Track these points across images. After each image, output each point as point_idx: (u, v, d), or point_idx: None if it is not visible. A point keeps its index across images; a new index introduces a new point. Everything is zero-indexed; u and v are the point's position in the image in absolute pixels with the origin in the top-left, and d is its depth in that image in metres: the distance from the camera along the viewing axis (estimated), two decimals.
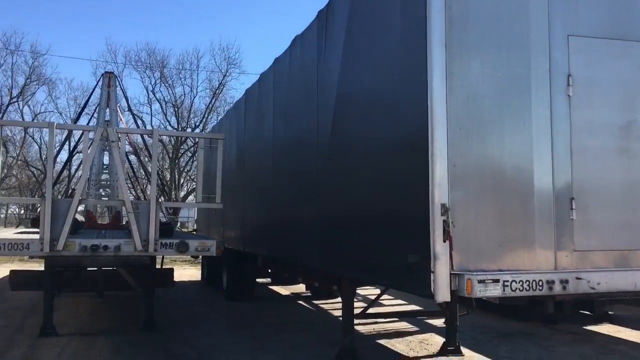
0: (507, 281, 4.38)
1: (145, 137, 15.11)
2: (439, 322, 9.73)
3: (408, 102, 4.96)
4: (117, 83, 12.79)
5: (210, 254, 7.39)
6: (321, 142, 7.25)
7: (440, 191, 4.51)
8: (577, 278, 4.54)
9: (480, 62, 4.74)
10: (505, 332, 9.44)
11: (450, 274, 4.45)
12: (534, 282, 4.44)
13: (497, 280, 4.35)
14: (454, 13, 4.68)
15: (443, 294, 4.42)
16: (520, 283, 4.40)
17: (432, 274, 4.47)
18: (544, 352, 8.15)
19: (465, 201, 4.62)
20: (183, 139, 39.98)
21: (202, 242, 7.39)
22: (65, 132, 17.25)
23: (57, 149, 12.37)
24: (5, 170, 39.41)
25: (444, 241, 4.44)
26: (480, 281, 4.31)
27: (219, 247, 7.47)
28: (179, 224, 30.60)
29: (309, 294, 13.65)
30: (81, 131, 7.10)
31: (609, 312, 10.31)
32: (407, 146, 4.93)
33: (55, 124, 6.67)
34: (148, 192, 7.61)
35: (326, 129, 7.06)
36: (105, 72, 12.75)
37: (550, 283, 4.49)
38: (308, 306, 12.40)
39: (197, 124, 41.51)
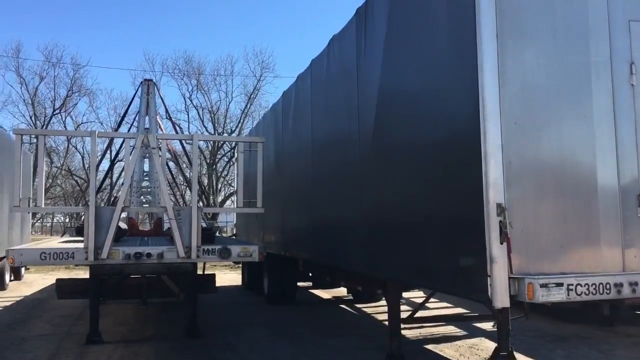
0: (572, 284, 4.10)
1: (185, 143, 15.24)
2: (488, 325, 9.42)
3: (458, 98, 4.72)
4: (156, 90, 12.84)
5: (253, 259, 7.27)
6: (363, 142, 7.05)
7: (495, 190, 4.26)
8: None
9: (535, 52, 4.47)
10: (559, 336, 9.05)
11: (509, 277, 4.19)
12: (600, 285, 4.15)
13: (560, 284, 4.07)
14: (504, 1, 4.42)
15: (502, 299, 4.17)
16: (586, 286, 4.12)
17: (488, 278, 4.22)
18: (602, 357, 7.76)
19: (523, 200, 4.35)
20: (220, 144, 40.26)
21: (245, 247, 7.27)
22: (107, 141, 17.51)
23: (100, 157, 12.45)
24: (50, 180, 40.40)
25: (501, 243, 4.19)
26: (542, 285, 4.04)
27: (261, 253, 7.34)
28: (218, 230, 30.77)
29: (351, 298, 13.44)
30: (122, 139, 7.05)
31: None
32: (458, 144, 4.69)
33: (97, 132, 6.65)
34: (187, 198, 7.54)
35: (368, 129, 6.86)
36: (144, 80, 12.81)
37: (619, 286, 4.19)
38: (350, 310, 12.20)
39: (233, 129, 41.77)
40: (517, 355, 7.62)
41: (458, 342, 8.73)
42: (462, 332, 9.46)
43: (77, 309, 11.40)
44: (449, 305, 11.88)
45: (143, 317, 10.93)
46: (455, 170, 4.76)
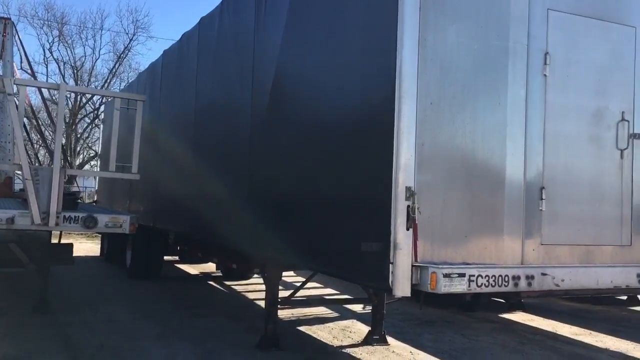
0: (474, 276, 3.98)
1: (47, 95, 13.67)
2: (358, 307, 9.45)
3: (372, 72, 4.40)
4: (15, 32, 11.24)
5: (123, 231, 6.51)
6: (256, 115, 6.53)
7: (405, 173, 4.01)
8: (543, 274, 4.23)
9: (456, 30, 4.25)
10: (426, 320, 9.28)
11: (412, 265, 3.97)
12: (499, 278, 4.08)
13: (462, 275, 3.93)
14: None
15: (403, 288, 3.94)
16: (487, 278, 4.02)
17: (391, 264, 3.97)
18: (467, 341, 8.03)
19: (433, 185, 4.16)
20: (82, 103, 37.27)
21: (114, 217, 6.48)
22: None
23: None
24: None
25: (408, 229, 3.95)
26: (445, 275, 3.88)
27: (132, 224, 6.59)
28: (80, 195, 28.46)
29: (219, 274, 12.96)
30: None
31: (522, 301, 10.46)
32: (369, 121, 4.37)
33: None
34: (42, 160, 6.56)
35: (263, 101, 6.36)
36: (1, 18, 11.13)
37: (516, 279, 4.15)
38: (220, 287, 11.72)
39: (99, 88, 38.83)
40: (388, 338, 7.69)
41: (330, 324, 8.64)
42: (334, 314, 9.39)
43: None
44: (319, 285, 11.83)
45: None
46: (362, 149, 4.45)
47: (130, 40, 39.97)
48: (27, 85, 7.01)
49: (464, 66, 4.28)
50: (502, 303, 10.41)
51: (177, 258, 13.98)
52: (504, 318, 9.89)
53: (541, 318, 9.94)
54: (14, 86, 5.83)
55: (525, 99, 4.50)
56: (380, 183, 4.10)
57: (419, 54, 4.10)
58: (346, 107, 4.77)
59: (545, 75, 4.58)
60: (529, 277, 4.20)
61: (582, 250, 4.68)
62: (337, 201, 4.76)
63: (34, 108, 20.13)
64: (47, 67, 38.81)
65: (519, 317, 10.02)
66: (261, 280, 8.86)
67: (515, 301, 10.39)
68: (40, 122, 18.52)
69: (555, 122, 4.62)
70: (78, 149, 39.39)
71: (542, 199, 4.53)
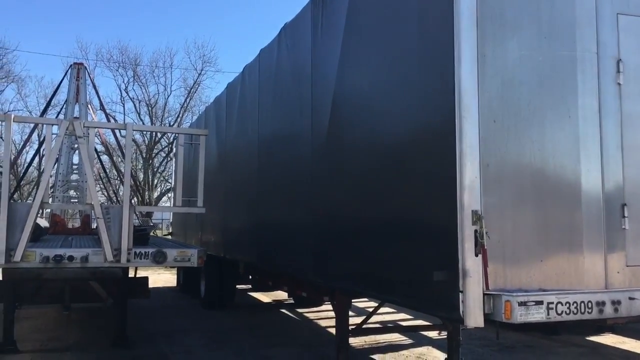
0: (552, 303, 3.68)
1: (118, 135, 14.25)
2: (433, 333, 9.10)
3: (430, 92, 4.23)
4: (87, 75, 11.82)
5: (191, 264, 6.57)
6: (316, 141, 6.48)
7: (470, 195, 3.79)
8: (631, 298, 3.87)
9: (517, 43, 4.03)
10: (506, 345, 8.82)
11: (484, 294, 3.73)
12: (582, 304, 3.76)
13: (540, 302, 3.65)
14: None
15: (475, 319, 3.70)
16: (567, 305, 3.71)
17: (460, 293, 3.75)
18: None
19: (501, 207, 3.91)
20: (157, 138, 38.80)
21: (182, 251, 6.56)
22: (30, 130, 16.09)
23: (21, 146, 11.31)
24: None
25: (476, 255, 3.72)
26: (521, 303, 3.61)
27: (200, 257, 6.65)
28: (152, 229, 29.48)
29: (292, 302, 12.91)
30: (46, 126, 6.24)
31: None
32: (430, 143, 4.19)
33: (12, 115, 5.78)
34: (120, 194, 6.80)
35: (322, 127, 6.29)
36: (74, 63, 11.74)
37: (601, 305, 3.81)
38: (292, 315, 11.65)
39: (172, 123, 40.36)
40: None
41: (405, 352, 8.36)
42: (408, 340, 9.10)
43: None
44: (392, 310, 11.55)
45: (65, 323, 9.99)
46: (424, 172, 4.27)
47: (199, 75, 41.48)
48: (95, 127, 7.29)
49: (528, 80, 4.04)
50: (590, 325, 9.78)
51: (249, 286, 14.08)
52: (591, 341, 9.26)
53: (633, 340, 9.25)
54: (84, 128, 6.06)
55: (598, 110, 4.19)
56: (444, 207, 3.90)
57: (478, 70, 3.90)
58: (405, 129, 4.61)
59: (619, 83, 4.25)
60: (615, 302, 3.85)
61: None
62: (401, 228, 4.58)
63: (113, 147, 21.11)
64: (124, 106, 40.75)
65: (608, 339, 9.36)
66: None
67: (604, 323, 9.74)
68: (117, 161, 19.32)
69: (635, 133, 4.27)
70: (155, 182, 40.92)
71: (624, 216, 4.17)
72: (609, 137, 4.21)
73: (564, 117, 4.09)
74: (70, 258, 6.04)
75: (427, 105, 4.27)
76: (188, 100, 41.20)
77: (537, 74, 4.07)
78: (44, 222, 9.58)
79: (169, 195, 40.84)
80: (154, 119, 40.40)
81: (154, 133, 38.17)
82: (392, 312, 11.42)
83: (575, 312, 3.74)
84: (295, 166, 7.12)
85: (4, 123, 5.88)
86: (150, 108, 40.82)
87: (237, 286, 12.56)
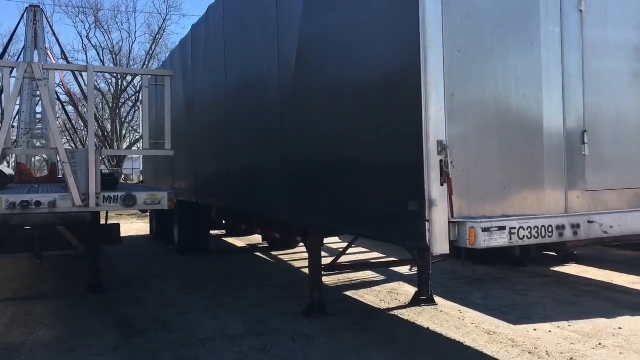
0: (514, 228, 3.80)
1: (82, 84, 13.83)
2: (405, 269, 9.35)
3: (395, 25, 4.19)
4: (45, 20, 11.36)
5: (162, 207, 6.55)
6: (284, 83, 6.40)
7: (435, 126, 3.83)
8: (589, 222, 4.02)
9: None
10: (474, 278, 9.13)
11: (449, 222, 3.82)
12: (543, 228, 3.88)
13: (503, 228, 3.76)
14: None
15: (441, 246, 3.81)
16: (529, 230, 3.84)
17: (427, 222, 3.84)
18: (518, 297, 7.85)
19: (465, 138, 3.97)
20: (123, 87, 37.89)
21: (152, 194, 6.53)
22: None
23: None
24: None
25: (442, 184, 3.80)
26: (485, 229, 3.71)
27: (171, 200, 6.63)
28: (122, 177, 29.18)
29: (266, 245, 13.07)
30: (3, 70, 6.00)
31: (574, 252, 10.15)
32: (395, 76, 4.19)
33: None
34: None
35: (289, 69, 6.22)
36: (30, 6, 11.24)
37: (561, 228, 3.95)
38: (266, 258, 11.82)
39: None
40: (436, 298, 7.59)
41: (377, 287, 8.59)
42: (380, 277, 9.34)
43: None
44: (365, 250, 11.79)
45: (38, 271, 9.98)
46: (389, 105, 4.28)
47: (164, 20, 40.27)
48: (55, 69, 7.06)
49: (491, 9, 4.02)
50: (554, 256, 10.14)
51: (224, 232, 14.16)
52: (556, 271, 9.63)
53: (595, 269, 9.64)
54: (43, 71, 5.88)
55: (560, 38, 4.22)
56: (410, 139, 3.94)
57: (442, 1, 3.87)
58: (371, 64, 4.59)
59: (581, 10, 4.27)
60: (575, 226, 3.99)
61: (631, 194, 4.42)
62: (370, 162, 4.63)
63: (77, 97, 20.58)
64: (86, 54, 39.60)
65: (572, 269, 9.74)
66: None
67: (567, 253, 10.09)
68: (82, 111, 18.88)
69: (595, 60, 4.32)
70: (124, 132, 40.23)
71: (584, 143, 4.27)
72: (570, 64, 4.25)
73: (527, 46, 4.11)
74: (38, 203, 5.97)
75: (393, 39, 4.25)
76: (154, 47, 40.14)
77: (501, 2, 4.05)
78: (9, 171, 9.40)
79: (139, 145, 40.31)
80: (118, 66, 39.34)
81: (119, 81, 37.24)
82: (365, 252, 11.66)
83: (536, 236, 3.87)
84: (264, 109, 7.06)
85: None
86: (114, 56, 39.68)
87: (211, 232, 12.62)
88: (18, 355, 5.58)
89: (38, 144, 14.39)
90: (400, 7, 4.13)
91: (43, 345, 5.91)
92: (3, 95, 6.19)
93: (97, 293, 8.24)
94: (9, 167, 11.40)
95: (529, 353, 5.47)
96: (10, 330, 6.46)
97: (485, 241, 3.72)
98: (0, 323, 6.76)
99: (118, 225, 9.46)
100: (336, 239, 11.61)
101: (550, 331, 6.16)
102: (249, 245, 13.64)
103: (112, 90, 37.84)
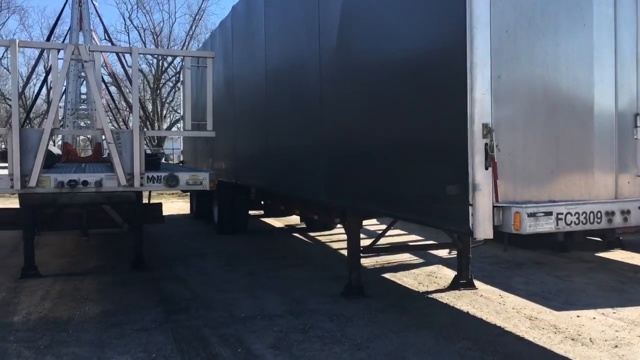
0: (562, 214, 3.72)
1: (126, 64, 14.06)
2: (444, 252, 9.28)
3: (440, 3, 4.10)
4: (90, 2, 11.56)
5: (203, 187, 6.64)
6: (324, 63, 6.37)
7: (481, 108, 3.75)
8: None
9: None
10: (515, 262, 8.99)
11: (494, 206, 3.76)
12: (591, 214, 3.79)
13: (549, 213, 3.68)
14: None
15: (485, 230, 3.75)
16: (577, 215, 3.75)
17: (470, 207, 3.78)
18: (560, 282, 7.70)
19: (512, 120, 3.88)
20: (164, 68, 38.34)
21: (194, 174, 6.61)
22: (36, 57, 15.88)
23: (27, 76, 11.22)
24: None
25: (486, 168, 3.73)
26: (530, 214, 3.64)
27: (212, 181, 6.70)
28: (164, 157, 29.67)
29: (304, 226, 13.16)
30: (50, 51, 6.15)
31: (620, 238, 9.88)
32: (441, 56, 4.11)
33: (17, 40, 5.69)
34: (130, 124, 6.80)
35: (330, 48, 6.18)
36: None
37: (610, 214, 3.84)
38: (304, 239, 11.89)
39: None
40: (476, 282, 7.52)
41: (415, 270, 8.56)
42: (419, 260, 9.30)
43: (13, 239, 10.61)
44: (403, 232, 11.73)
45: (84, 248, 10.28)
46: (434, 87, 4.21)
47: (203, 0, 40.45)
48: (100, 51, 7.18)
49: None
50: (599, 242, 9.90)
51: (262, 212, 14.31)
52: (600, 257, 9.41)
53: None
54: (89, 53, 5.98)
55: (614, 18, 4.06)
56: (454, 121, 3.87)
57: None
58: (415, 44, 4.51)
59: None
60: (625, 212, 3.88)
61: None
62: (412, 144, 4.57)
63: (120, 78, 20.94)
64: (128, 35, 40.19)
65: (617, 255, 9.51)
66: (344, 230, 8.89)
67: (613, 239, 9.84)
68: (125, 92, 19.22)
69: None
70: (164, 113, 40.84)
71: (637, 126, 4.13)
72: (624, 46, 4.10)
73: (578, 26, 3.98)
74: (85, 183, 6.12)
75: (437, 18, 4.16)
76: (194, 27, 40.44)
77: None
78: (56, 150, 9.67)
79: (179, 125, 40.84)
80: (159, 47, 39.79)
81: (160, 62, 37.70)
82: (403, 234, 11.62)
83: (584, 222, 3.77)
84: (304, 90, 7.04)
85: (9, 49, 5.80)
86: (155, 37, 40.15)
87: (250, 212, 12.76)
88: (66, 329, 5.77)
89: (83, 124, 14.76)
90: None
91: (90, 320, 6.10)
92: (51, 76, 6.31)
93: (141, 270, 8.44)
94: (54, 146, 11.72)
95: (572, 340, 5.38)
96: (58, 305, 6.69)
97: (531, 227, 3.65)
98: (49, 298, 6.99)
99: (160, 204, 9.66)
100: (374, 221, 11.60)
101: (594, 318, 6.04)
102: (286, 225, 13.74)
103: (154, 71, 38.33)
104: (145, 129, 18.86)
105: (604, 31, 4.04)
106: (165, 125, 39.67)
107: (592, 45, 4.01)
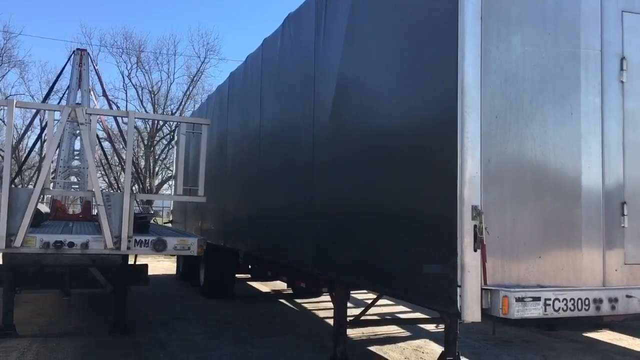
0: (550, 299, 3.70)
1: (120, 121, 14.20)
2: (431, 326, 9.14)
3: (433, 86, 4.23)
4: (90, 62, 11.82)
5: (191, 253, 6.59)
6: (317, 133, 6.47)
7: (471, 191, 3.79)
8: (628, 296, 3.89)
9: (521, 38, 4.01)
10: (503, 340, 8.85)
11: (482, 289, 3.74)
12: (579, 301, 3.77)
13: (537, 299, 3.67)
14: None
15: (473, 314, 3.72)
16: (565, 302, 3.73)
17: (459, 288, 3.76)
18: None
19: (501, 203, 3.91)
20: (159, 125, 38.80)
21: (182, 240, 6.58)
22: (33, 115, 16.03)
23: (22, 131, 11.31)
24: None
25: (475, 250, 3.74)
26: (518, 299, 3.62)
27: (200, 246, 6.67)
28: (153, 218, 29.52)
29: (291, 292, 12.97)
30: (47, 112, 6.22)
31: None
32: (432, 137, 4.20)
33: (15, 101, 5.77)
34: (122, 181, 6.79)
35: (324, 119, 6.29)
36: (77, 49, 11.74)
37: (598, 302, 3.83)
38: (291, 305, 11.70)
39: (174, 111, 40.36)
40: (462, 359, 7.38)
41: (402, 344, 8.40)
42: (405, 333, 9.15)
43: None
44: (390, 302, 11.58)
45: (65, 307, 10.04)
46: (425, 166, 4.28)
47: (202, 63, 41.45)
48: (97, 114, 7.28)
49: (530, 76, 4.03)
50: (586, 321, 9.80)
51: (249, 276, 14.12)
52: (588, 337, 9.28)
53: (630, 337, 9.27)
54: (86, 115, 6.06)
55: (601, 108, 4.18)
56: (444, 202, 3.91)
57: (481, 65, 3.89)
58: (407, 123, 4.61)
59: (622, 81, 4.24)
60: (613, 300, 3.87)
61: None
62: (400, 221, 4.59)
63: (115, 134, 21.09)
64: (126, 93, 41.03)
65: (605, 336, 9.38)
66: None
67: (601, 321, 9.75)
68: (118, 148, 19.34)
69: (636, 132, 4.26)
70: (157, 169, 41.00)
71: (623, 214, 4.18)
72: (610, 134, 4.20)
73: (566, 114, 4.09)
74: (71, 244, 6.07)
75: (430, 100, 4.27)
76: (191, 88, 41.29)
77: (541, 70, 4.06)
78: (44, 208, 9.61)
79: (170, 182, 40.92)
80: (156, 106, 40.48)
81: (156, 120, 38.15)
82: (391, 305, 11.46)
83: (572, 308, 3.76)
84: (296, 158, 7.12)
85: (6, 108, 5.87)
86: (152, 95, 40.90)
87: (237, 275, 12.60)
88: None
89: (74, 179, 14.75)
90: (439, 69, 4.16)
91: None
92: (46, 135, 6.37)
93: (122, 333, 8.24)
94: (43, 202, 11.65)
95: None
96: None
97: (518, 311, 3.62)
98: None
99: (146, 266, 9.53)
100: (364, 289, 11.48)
101: None
102: (273, 290, 13.55)
103: (148, 129, 38.73)
104: (135, 192, 18.81)
105: (591, 120, 4.15)
106: (157, 182, 39.73)
107: (579, 133, 4.11)
